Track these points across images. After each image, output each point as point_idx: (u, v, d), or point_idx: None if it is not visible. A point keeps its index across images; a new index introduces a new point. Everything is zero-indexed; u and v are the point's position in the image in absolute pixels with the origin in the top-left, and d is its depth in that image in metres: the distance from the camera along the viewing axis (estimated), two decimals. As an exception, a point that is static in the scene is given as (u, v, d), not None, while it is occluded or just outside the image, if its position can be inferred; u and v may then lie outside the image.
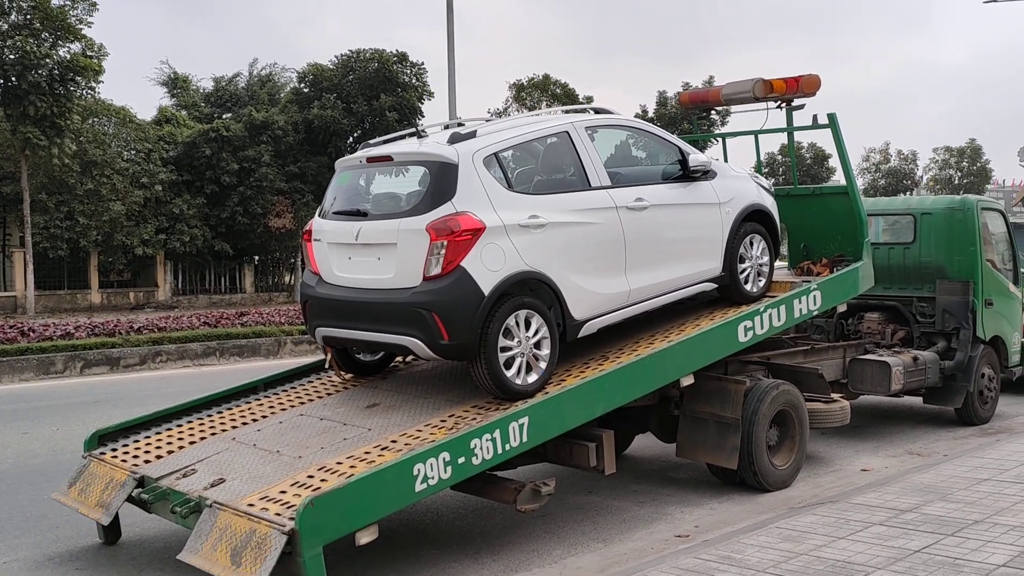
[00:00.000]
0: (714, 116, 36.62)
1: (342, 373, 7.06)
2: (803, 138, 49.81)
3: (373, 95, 32.26)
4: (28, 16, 24.86)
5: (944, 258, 9.95)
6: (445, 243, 5.64)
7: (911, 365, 9.39)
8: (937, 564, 5.19)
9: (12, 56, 24.30)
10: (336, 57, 33.47)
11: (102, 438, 6.27)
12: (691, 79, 58.70)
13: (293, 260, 34.25)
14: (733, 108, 9.66)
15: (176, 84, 37.82)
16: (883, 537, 5.73)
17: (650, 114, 40.43)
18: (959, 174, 62.89)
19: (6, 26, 24.82)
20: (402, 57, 33.18)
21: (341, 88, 32.63)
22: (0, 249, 29.82)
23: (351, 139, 32.24)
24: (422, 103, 33.51)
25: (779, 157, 47.73)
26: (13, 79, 24.56)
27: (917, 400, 10.32)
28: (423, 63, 33.57)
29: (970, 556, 5.30)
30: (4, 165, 27.73)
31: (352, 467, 5.22)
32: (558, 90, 39.35)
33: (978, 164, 62.62)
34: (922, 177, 61.49)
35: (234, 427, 6.32)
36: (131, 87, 75.75)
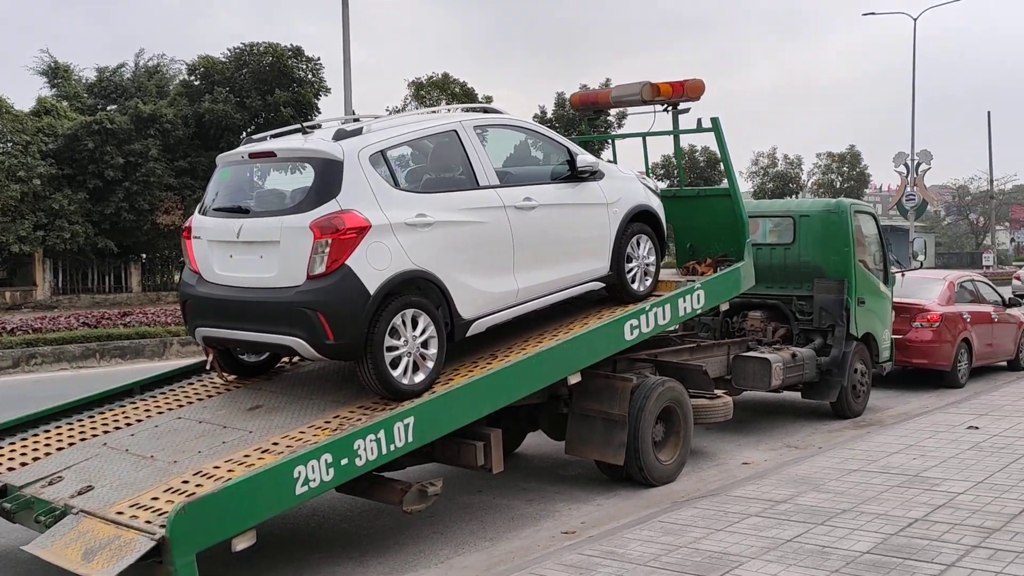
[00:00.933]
0: (611, 118, 37.35)
1: (224, 374, 6.87)
2: (697, 141, 51.05)
3: (267, 90, 31.45)
4: None
5: (821, 258, 10.38)
6: (329, 241, 5.55)
7: (790, 361, 9.76)
8: (807, 552, 5.41)
9: None
10: (229, 50, 32.49)
11: (-37, 445, 5.92)
12: (588, 80, 59.57)
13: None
14: (630, 111, 9.82)
15: (57, 74, 35.99)
16: (758, 528, 5.94)
17: (548, 115, 40.76)
18: (840, 179, 65.69)
19: None
20: (297, 52, 32.47)
21: (234, 82, 31.70)
22: None
23: (244, 134, 31.17)
24: (318, 99, 32.85)
25: (674, 160, 48.93)
26: None
27: (796, 395, 10.74)
28: (319, 58, 32.92)
29: (837, 544, 5.54)
30: None
31: (230, 471, 5.08)
32: (457, 89, 39.24)
33: (857, 169, 65.52)
34: (807, 181, 63.96)
35: (106, 432, 6.06)
36: (8, 76, 71.97)
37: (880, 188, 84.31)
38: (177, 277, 33.85)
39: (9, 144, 28.22)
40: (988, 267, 55.88)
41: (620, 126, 36.58)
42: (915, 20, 41.70)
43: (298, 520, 6.74)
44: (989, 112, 68.37)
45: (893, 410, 11.13)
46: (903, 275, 12.51)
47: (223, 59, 32.31)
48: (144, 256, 32.65)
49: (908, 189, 40.27)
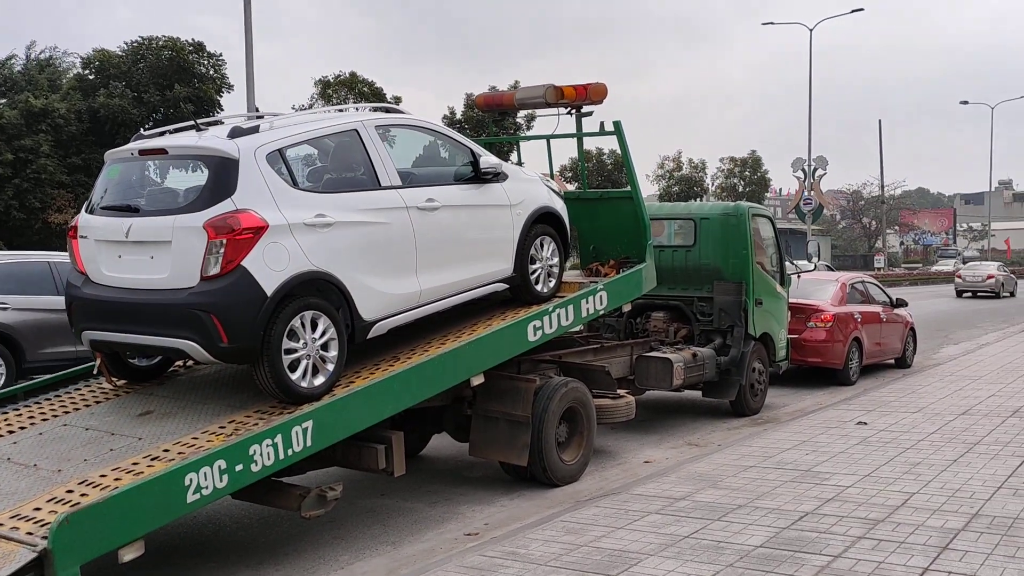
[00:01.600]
0: (520, 120, 37.56)
1: (113, 379, 6.60)
2: (604, 144, 51.77)
3: (167, 85, 30.58)
4: None
5: (720, 260, 10.65)
6: (224, 242, 5.40)
7: (691, 361, 9.98)
8: (703, 548, 5.53)
9: None
10: (125, 44, 31.49)
11: None
12: (498, 82, 59.76)
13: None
14: (538, 113, 9.86)
15: (-61, 64, 34.23)
16: (657, 525, 6.04)
17: (458, 117, 40.75)
18: (742, 183, 67.63)
19: None
20: (199, 47, 31.68)
21: (131, 76, 30.71)
22: None
23: (141, 130, 30.32)
24: (221, 96, 32.13)
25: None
26: None
27: (697, 394, 10.98)
28: (221, 54, 32.21)
29: (732, 539, 5.69)
30: None
31: (117, 479, 4.89)
32: (366, 89, 38.85)
33: (758, 174, 67.58)
34: (711, 185, 65.62)
35: (-14, 440, 5.76)
36: None
37: (780, 192, 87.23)
38: (70, 278, 32.54)
39: None
40: (879, 268, 58.42)
41: (529, 128, 36.81)
42: (811, 31, 43.27)
43: (191, 528, 6.54)
44: (880, 121, 71.55)
45: (789, 407, 11.51)
46: (799, 276, 12.93)
47: (120, 53, 31.24)
48: (35, 256, 31.26)
49: (805, 193, 41.79)
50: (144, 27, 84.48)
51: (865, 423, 9.65)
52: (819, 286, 13.85)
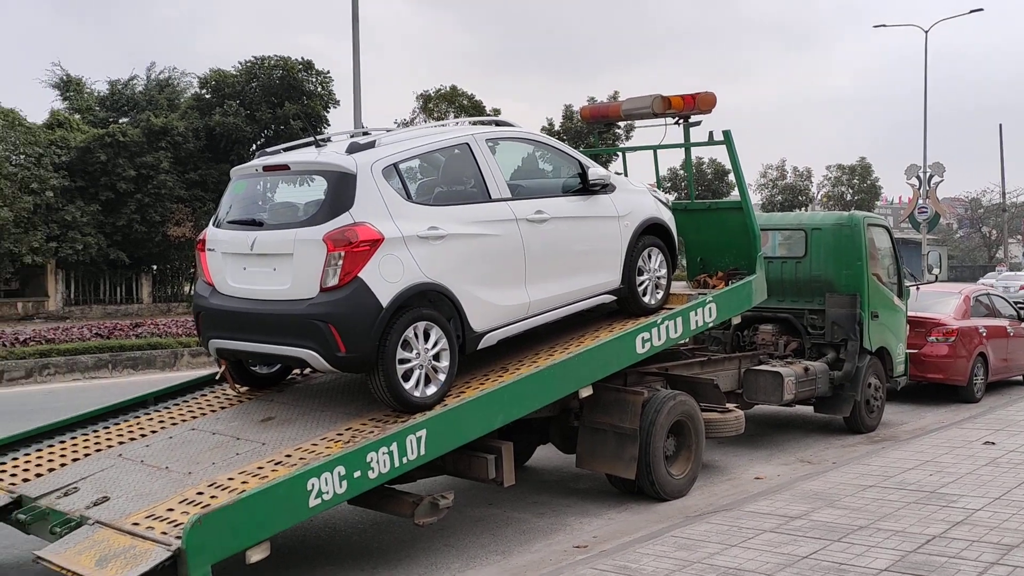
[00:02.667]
0: (619, 131, 37.39)
1: (237, 386, 6.88)
2: (704, 154, 51.05)
3: (277, 103, 31.64)
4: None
5: (833, 272, 10.34)
6: (343, 254, 5.56)
7: (802, 375, 9.72)
8: (823, 569, 5.37)
9: None
10: (240, 63, 32.72)
11: (-23, 457, 5.94)
12: (596, 93, 59.67)
13: (193, 270, 33.23)
14: (638, 123, 9.83)
15: (69, 87, 36.30)
16: (773, 544, 5.90)
17: (556, 128, 40.84)
18: (851, 191, 65.54)
19: None
20: (308, 65, 32.66)
21: (244, 95, 31.90)
22: None
23: (254, 147, 31.48)
24: (328, 111, 33.01)
25: (682, 172, 48.93)
26: None
27: (808, 409, 10.68)
28: (329, 71, 33.10)
29: (854, 561, 5.50)
30: None
31: (244, 483, 5.08)
32: (465, 102, 39.37)
33: (868, 182, 65.35)
34: (816, 194, 63.83)
35: (121, 443, 6.07)
36: (21, 89, 72.46)
37: (891, 201, 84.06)
38: (188, 288, 33.99)
39: (22, 156, 28.41)
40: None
41: (628, 138, 36.59)
42: (926, 32, 41.66)
43: (310, 531, 6.73)
44: (1001, 125, 68.20)
45: (908, 425, 11.07)
46: (918, 289, 12.45)
47: (234, 72, 32.52)
48: (155, 267, 32.80)
49: (920, 202, 40.10)
50: (254, 46, 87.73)
51: (993, 443, 9.20)
52: (940, 299, 13.30)
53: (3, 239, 27.04)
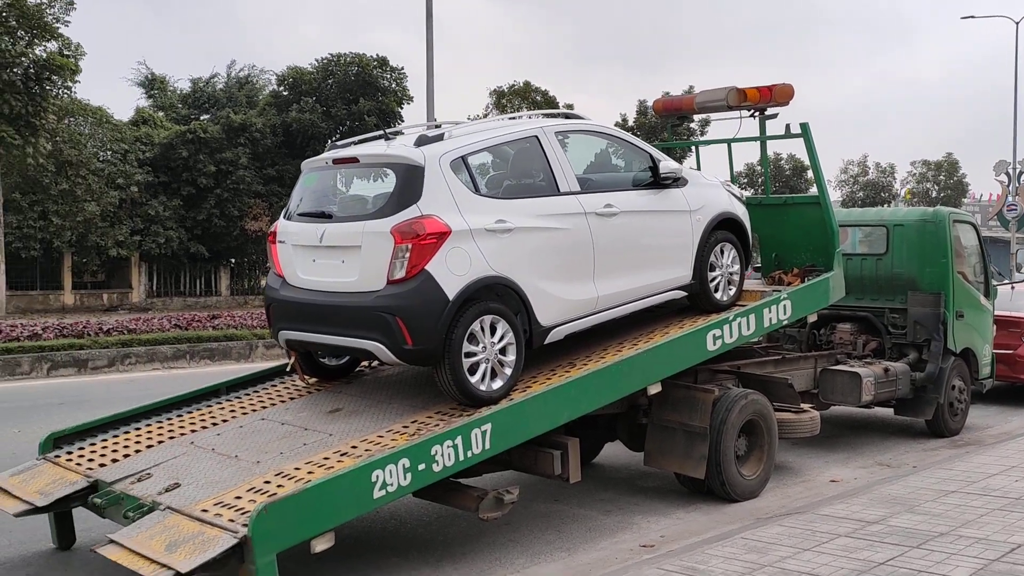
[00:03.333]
0: (693, 125, 36.85)
1: (306, 377, 6.95)
2: (782, 148, 50.07)
3: (352, 99, 32.14)
4: (4, 14, 24.54)
5: (916, 270, 9.97)
6: (410, 246, 5.56)
7: (882, 376, 9.40)
8: (900, 576, 5.16)
9: (-14, 54, 23.98)
10: (316, 60, 33.36)
11: (57, 440, 6.13)
12: (671, 87, 58.93)
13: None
14: (712, 117, 9.62)
15: (153, 85, 37.52)
16: (849, 549, 5.70)
17: (630, 123, 40.49)
18: (936, 188, 63.45)
19: (-19, 23, 24.49)
20: (382, 61, 33.10)
21: (320, 91, 32.49)
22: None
23: (329, 143, 32.00)
24: (401, 107, 33.42)
25: (758, 167, 48.00)
26: (-13, 77, 24.22)
27: (888, 411, 10.33)
28: (403, 68, 33.53)
29: (934, 569, 5.27)
30: (-23, 163, 27.36)
31: (310, 472, 5.12)
32: (539, 97, 39.32)
33: (955, 178, 63.21)
34: (899, 190, 62.00)
35: (193, 431, 6.20)
36: (108, 87, 75.04)
37: (980, 198, 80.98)
38: (263, 281, 34.76)
39: (109, 152, 29.45)
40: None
41: (703, 133, 36.05)
42: (1017, 24, 39.98)
43: (376, 523, 6.77)
44: (1097, 119, 64.93)
45: (994, 429, 10.62)
46: (1012, 288, 11.93)
47: (311, 69, 33.13)
48: (233, 261, 33.67)
49: (1009, 199, 38.58)
50: (329, 45, 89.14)
51: (1084, 450, 8.74)
52: (1037, 297, 12.72)
53: (90, 233, 28.09)
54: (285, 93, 33.33)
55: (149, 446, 5.98)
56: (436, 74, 21.36)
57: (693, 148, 9.48)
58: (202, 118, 33.97)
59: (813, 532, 6.11)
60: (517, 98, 39.12)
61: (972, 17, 42.41)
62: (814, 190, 8.95)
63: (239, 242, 31.79)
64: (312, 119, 31.34)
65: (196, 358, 16.23)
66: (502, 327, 5.91)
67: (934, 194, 62.35)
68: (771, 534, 6.11)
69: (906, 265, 10.02)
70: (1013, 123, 44.52)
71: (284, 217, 6.46)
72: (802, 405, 8.30)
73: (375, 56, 32.96)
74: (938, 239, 9.92)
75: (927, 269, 9.94)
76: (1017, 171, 39.20)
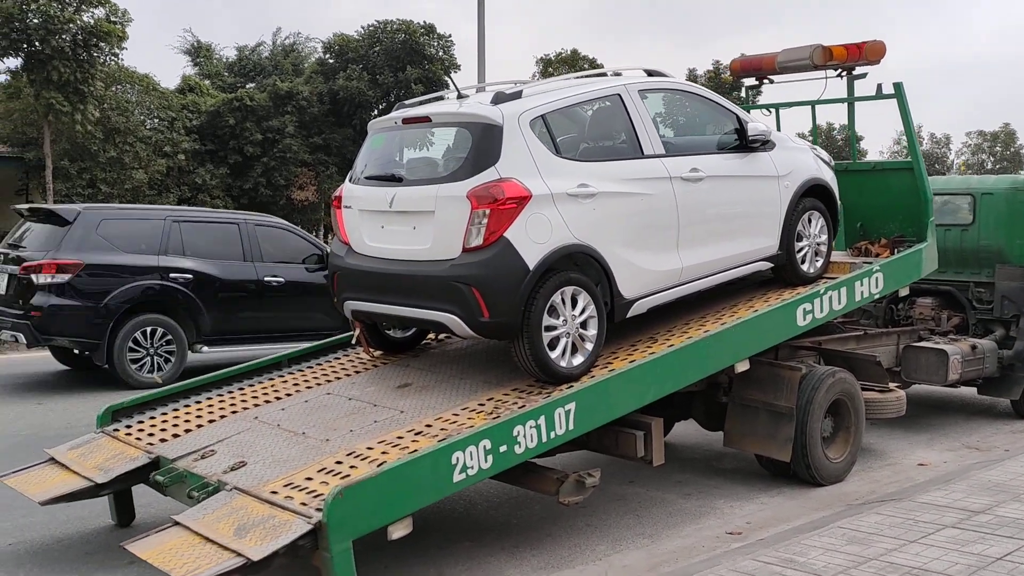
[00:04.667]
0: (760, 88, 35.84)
1: (371, 350, 6.63)
2: (835, 118, 48.70)
3: (399, 67, 31.74)
4: (52, -21, 24.46)
5: (1005, 241, 9.37)
6: (488, 212, 5.17)
7: (969, 354, 8.87)
8: (1025, 575, 4.72)
9: (36, 21, 23.94)
10: (362, 28, 32.99)
11: (115, 413, 5.87)
12: (720, 55, 57.58)
13: (316, 233, 33.93)
14: (778, 79, 9.07)
15: (199, 53, 37.42)
16: (959, 542, 5.25)
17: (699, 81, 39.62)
18: (992, 159, 61.64)
19: (30, -10, 24.44)
20: (429, 29, 32.61)
21: (367, 59, 32.13)
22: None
23: (376, 111, 31.77)
24: (448, 76, 32.94)
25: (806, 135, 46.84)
26: (36, 44, 24.21)
27: (969, 390, 9.79)
28: (451, 35, 33.03)
29: (1061, 567, 4.82)
30: (27, 131, 27.48)
31: (384, 453, 4.79)
32: (587, 66, 38.60)
33: (1012, 149, 61.34)
34: (954, 162, 60.35)
35: (256, 405, 5.90)
36: (155, 55, 75.28)
37: (1035, 169, 78.53)
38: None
39: (156, 120, 29.42)
40: None
41: (758, 95, 35.12)
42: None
43: (446, 505, 6.44)
44: None
45: (1083, 411, 10.00)
46: None
47: (357, 37, 32.76)
48: (279, 230, 33.58)
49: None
50: (372, 13, 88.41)
51: None
52: None
53: (138, 201, 28.12)
54: (331, 61, 33.04)
55: (211, 421, 5.70)
56: (485, 38, 20.81)
57: (771, 110, 8.93)
58: (248, 86, 33.82)
59: (915, 522, 5.67)
60: (564, 66, 38.47)
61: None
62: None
63: (285, 211, 31.66)
64: (359, 87, 31.02)
65: (246, 327, 16.03)
66: (583, 299, 5.52)
67: (989, 165, 60.62)
68: (870, 523, 5.68)
69: (994, 236, 9.41)
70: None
71: (349, 180, 6.10)
72: (889, 384, 7.82)
73: (422, 23, 32.49)
74: (1031, 209, 9.29)
75: (1017, 241, 9.33)
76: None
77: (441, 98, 6.29)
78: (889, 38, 7.62)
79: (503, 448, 4.79)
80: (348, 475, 4.54)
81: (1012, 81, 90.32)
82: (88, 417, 7.81)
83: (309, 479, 4.62)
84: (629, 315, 5.90)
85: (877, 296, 7.42)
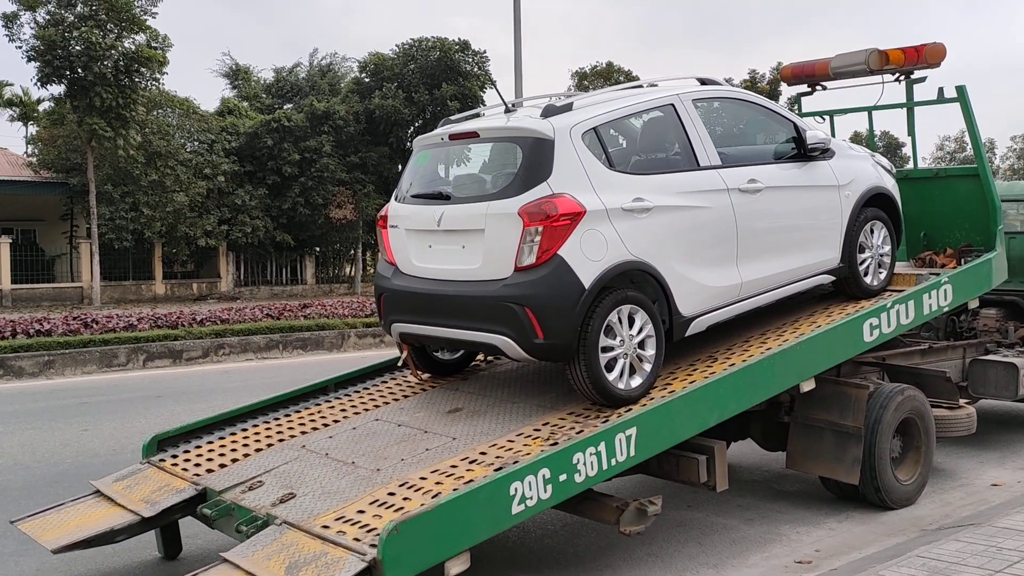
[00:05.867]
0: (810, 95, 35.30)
1: (419, 373, 6.44)
2: (890, 124, 47.94)
3: (434, 84, 31.72)
4: (93, 7, 24.85)
5: (1072, 248, 8.95)
6: (540, 229, 4.96)
7: (1040, 367, 8.45)
8: None
9: (78, 47, 24.33)
10: (397, 46, 33.05)
11: (161, 442, 5.74)
12: (756, 65, 57.03)
13: (353, 252, 33.99)
14: (829, 84, 8.76)
15: (238, 75, 37.79)
16: (1050, 572, 4.91)
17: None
18: (1038, 163, 60.24)
19: (72, 17, 24.86)
20: (464, 45, 32.59)
21: (402, 77, 32.18)
22: (67, 240, 30.08)
23: (412, 129, 31.80)
24: (484, 92, 32.87)
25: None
26: (79, 70, 24.59)
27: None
28: (485, 51, 32.95)
29: None
30: (71, 156, 27.89)
31: (438, 483, 4.58)
32: (622, 78, 38.35)
33: (1059, 153, 59.92)
34: (999, 167, 59.07)
35: (303, 433, 5.73)
36: (194, 79, 76.51)
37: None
38: (348, 270, 34.81)
39: (196, 143, 29.71)
40: None
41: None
42: None
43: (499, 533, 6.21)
44: None
45: None
46: None
47: (392, 55, 32.85)
48: (318, 249, 33.72)
49: None
50: (406, 31, 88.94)
51: None
52: None
53: (179, 223, 28.39)
54: (367, 80, 33.14)
55: (258, 449, 5.53)
56: (522, 52, 20.69)
57: (826, 117, 8.63)
58: (286, 107, 34.04)
59: (999, 549, 5.32)
60: (600, 79, 38.28)
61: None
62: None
63: (324, 230, 31.79)
64: (395, 105, 31.05)
65: (288, 348, 16.02)
66: (640, 318, 5.28)
67: (1035, 170, 59.25)
68: (950, 551, 5.34)
69: (1060, 243, 9.01)
70: None
71: (395, 199, 5.93)
72: (958, 400, 7.45)
73: (456, 40, 32.49)
74: (1100, 214, 8.89)
75: (1085, 248, 8.92)
76: None
77: (479, 115, 6.12)
78: (932, 39, 7.28)
79: (563, 477, 4.56)
80: (402, 508, 4.34)
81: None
82: (134, 444, 7.72)
83: (361, 512, 4.42)
84: (688, 334, 5.65)
85: (946, 309, 7.08)
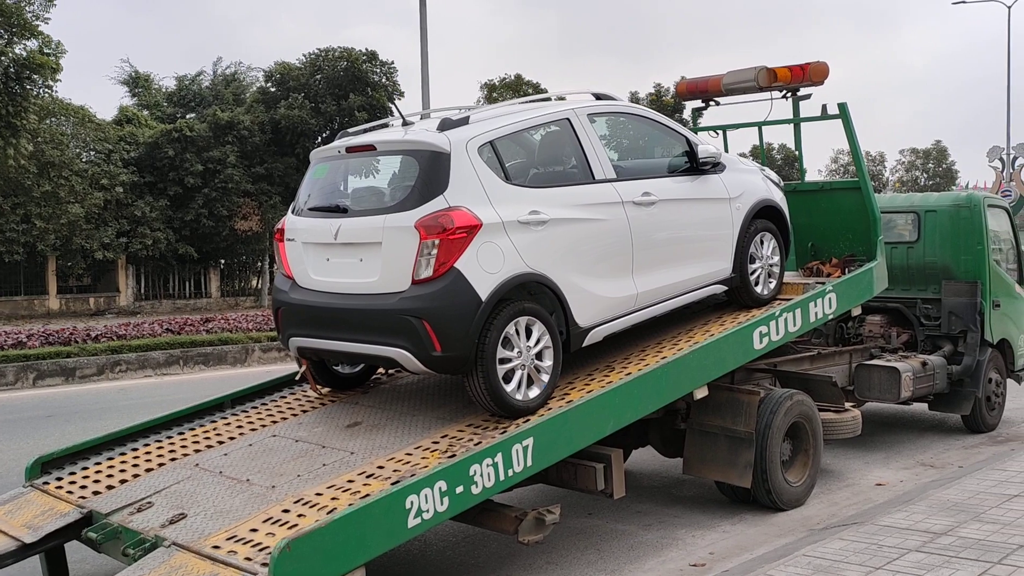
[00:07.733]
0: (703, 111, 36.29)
1: (318, 387, 6.37)
2: (775, 138, 49.61)
3: (342, 95, 31.40)
4: (-19, 11, 23.76)
5: (950, 258, 9.49)
6: (437, 242, 4.99)
7: (920, 371, 8.91)
8: (995, 599, 4.64)
9: (-37, 53, 23.21)
10: (304, 56, 32.58)
11: (45, 465, 5.50)
12: (662, 79, 58.45)
13: (260, 264, 33.32)
14: (723, 100, 9.07)
15: (137, 83, 36.64)
16: (925, 566, 5.17)
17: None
18: (925, 176, 63.29)
19: (-43, 21, 23.71)
20: (372, 56, 32.36)
21: (309, 87, 31.74)
22: (-48, 254, 28.59)
23: (319, 139, 31.39)
24: (392, 103, 32.70)
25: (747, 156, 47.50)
26: (-35, 77, 23.46)
27: (919, 406, 9.85)
28: (393, 62, 32.79)
29: (1029, 589, 4.76)
30: (-44, 167, 26.55)
31: (334, 499, 4.55)
32: (531, 90, 38.71)
33: (944, 165, 63.08)
34: (889, 179, 61.81)
35: (197, 451, 5.59)
36: (91, 86, 73.81)
37: (967, 185, 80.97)
38: (255, 282, 34.08)
39: (92, 152, 28.66)
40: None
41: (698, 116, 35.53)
42: (1009, 8, 39.71)
43: (399, 546, 6.18)
44: (1086, 103, 64.91)
45: (1031, 423, 10.14)
46: None
47: (299, 65, 32.38)
48: (223, 262, 32.91)
49: (1004, 185, 38.28)
50: (307, 39, 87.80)
51: None
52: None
53: (75, 235, 27.31)
54: (273, 90, 32.57)
55: (148, 470, 5.37)
56: (428, 64, 20.68)
57: (718, 132, 8.92)
58: (188, 116, 33.17)
59: (880, 547, 5.58)
60: (508, 91, 38.56)
61: (964, 2, 41.93)
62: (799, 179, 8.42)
63: (229, 242, 31.03)
64: (301, 115, 30.60)
65: (190, 363, 15.59)
66: (538, 329, 5.36)
67: (922, 182, 62.22)
68: (834, 550, 5.57)
69: (939, 253, 9.54)
70: (1007, 109, 44.27)
71: (292, 212, 5.87)
72: (844, 403, 7.78)
73: (364, 50, 32.24)
74: (973, 225, 9.43)
75: (962, 257, 9.46)
76: (1012, 156, 38.92)
77: (386, 125, 6.13)
78: (828, 60, 7.65)
79: (459, 489, 4.59)
80: (296, 524, 4.29)
81: (945, 100, 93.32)
82: (20, 466, 7.39)
83: (254, 531, 4.35)
84: (585, 344, 5.75)
85: (831, 316, 7.39)
